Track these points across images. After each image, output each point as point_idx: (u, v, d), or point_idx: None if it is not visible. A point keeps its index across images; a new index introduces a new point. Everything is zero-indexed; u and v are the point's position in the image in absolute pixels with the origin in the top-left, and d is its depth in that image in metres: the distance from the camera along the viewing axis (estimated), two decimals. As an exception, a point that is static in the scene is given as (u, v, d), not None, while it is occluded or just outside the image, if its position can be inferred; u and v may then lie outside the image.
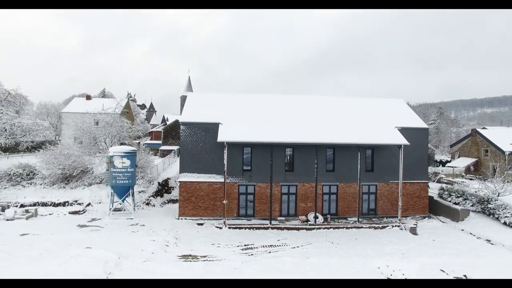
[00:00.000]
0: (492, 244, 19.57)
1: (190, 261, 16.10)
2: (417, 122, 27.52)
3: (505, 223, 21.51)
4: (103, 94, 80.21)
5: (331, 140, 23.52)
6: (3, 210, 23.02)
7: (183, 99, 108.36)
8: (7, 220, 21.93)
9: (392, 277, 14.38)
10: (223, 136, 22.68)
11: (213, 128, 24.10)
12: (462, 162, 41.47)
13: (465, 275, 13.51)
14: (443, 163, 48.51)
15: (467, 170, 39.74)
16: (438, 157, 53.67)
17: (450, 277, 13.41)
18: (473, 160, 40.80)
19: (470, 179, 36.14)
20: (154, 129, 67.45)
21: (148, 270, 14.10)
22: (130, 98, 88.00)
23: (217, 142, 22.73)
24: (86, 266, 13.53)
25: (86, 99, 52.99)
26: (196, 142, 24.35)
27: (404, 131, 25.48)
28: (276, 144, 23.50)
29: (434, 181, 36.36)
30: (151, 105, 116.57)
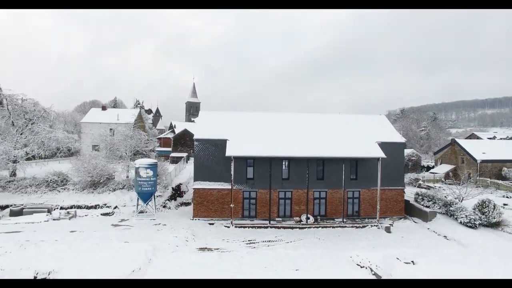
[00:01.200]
0: (447, 239, 24.22)
1: (207, 252, 20.82)
2: (396, 137, 32.05)
3: (461, 223, 26.18)
4: (115, 103, 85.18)
5: (321, 154, 28.15)
6: (49, 211, 27.86)
7: (188, 104, 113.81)
8: (54, 219, 26.74)
9: (361, 264, 19.04)
10: (230, 151, 27.32)
11: (221, 143, 28.76)
12: (443, 169, 46.03)
13: (412, 261, 18.16)
14: (428, 168, 53.04)
15: (447, 176, 44.29)
16: (425, 162, 58.25)
17: (402, 263, 18.03)
18: (452, 167, 45.39)
19: (450, 184, 40.62)
20: (162, 136, 72.07)
21: (178, 257, 18.84)
22: (138, 105, 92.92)
23: (225, 156, 27.37)
24: (132, 255, 18.25)
25: (102, 109, 58.04)
26: (207, 155, 29.07)
27: (383, 145, 30.03)
28: (275, 158, 28.16)
29: (415, 186, 40.95)
30: (157, 110, 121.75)
